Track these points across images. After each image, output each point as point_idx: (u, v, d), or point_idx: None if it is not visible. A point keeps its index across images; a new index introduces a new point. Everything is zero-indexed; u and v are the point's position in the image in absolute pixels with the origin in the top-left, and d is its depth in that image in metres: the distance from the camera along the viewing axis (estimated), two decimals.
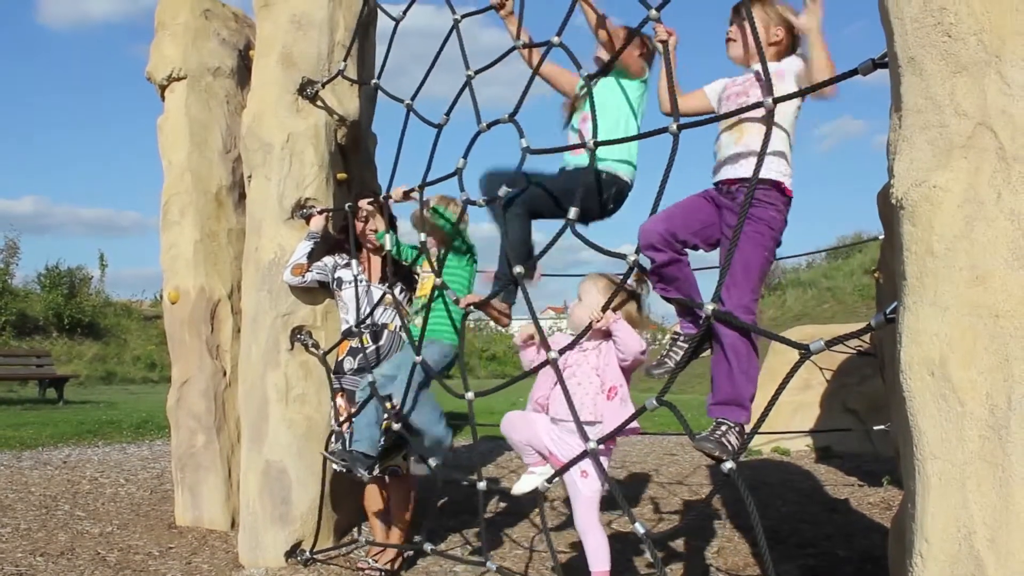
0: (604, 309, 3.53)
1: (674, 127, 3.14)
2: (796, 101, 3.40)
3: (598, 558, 3.54)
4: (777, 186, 3.40)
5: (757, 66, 3.33)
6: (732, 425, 3.31)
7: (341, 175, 5.30)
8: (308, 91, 5.01)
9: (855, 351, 9.17)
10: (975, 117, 2.11)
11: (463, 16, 4.29)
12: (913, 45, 2.19)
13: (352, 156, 5.52)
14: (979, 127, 2.11)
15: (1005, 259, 2.05)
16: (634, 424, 3.43)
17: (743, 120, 3.43)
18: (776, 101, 2.96)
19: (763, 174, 3.22)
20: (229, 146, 6.05)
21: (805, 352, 2.70)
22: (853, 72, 2.53)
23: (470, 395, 3.96)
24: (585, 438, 3.38)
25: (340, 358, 5.00)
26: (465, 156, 4.15)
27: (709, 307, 2.92)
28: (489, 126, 4.04)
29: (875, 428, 8.32)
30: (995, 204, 2.08)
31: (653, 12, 3.26)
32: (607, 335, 3.62)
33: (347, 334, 4.93)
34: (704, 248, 3.57)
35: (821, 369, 9.91)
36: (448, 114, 4.30)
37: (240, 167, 5.73)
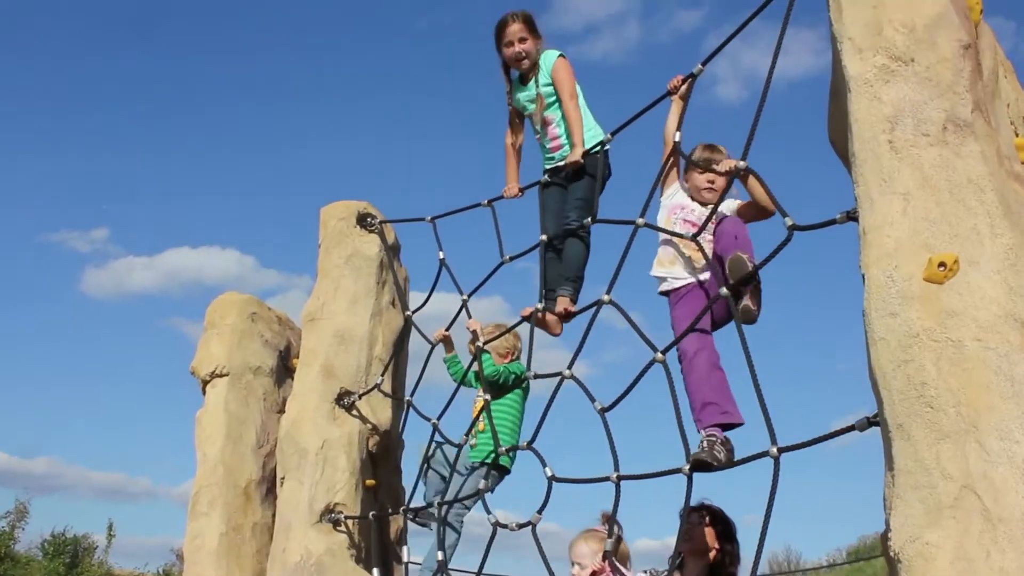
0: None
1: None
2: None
3: None
4: None
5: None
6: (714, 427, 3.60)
7: (370, 481, 5.52)
8: (345, 401, 5.36)
9: None
10: (960, 480, 2.35)
11: (469, 294, 5.02)
12: (900, 413, 2.48)
13: (381, 463, 5.77)
14: (964, 489, 2.35)
15: None
16: None
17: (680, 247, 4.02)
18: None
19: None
20: (262, 441, 6.29)
21: None
22: (850, 428, 2.82)
23: None
24: None
25: None
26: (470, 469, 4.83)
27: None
28: (508, 450, 4.59)
29: None
30: (984, 562, 2.27)
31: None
32: None
33: None
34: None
35: None
36: (467, 434, 4.88)
37: (270, 461, 5.98)
